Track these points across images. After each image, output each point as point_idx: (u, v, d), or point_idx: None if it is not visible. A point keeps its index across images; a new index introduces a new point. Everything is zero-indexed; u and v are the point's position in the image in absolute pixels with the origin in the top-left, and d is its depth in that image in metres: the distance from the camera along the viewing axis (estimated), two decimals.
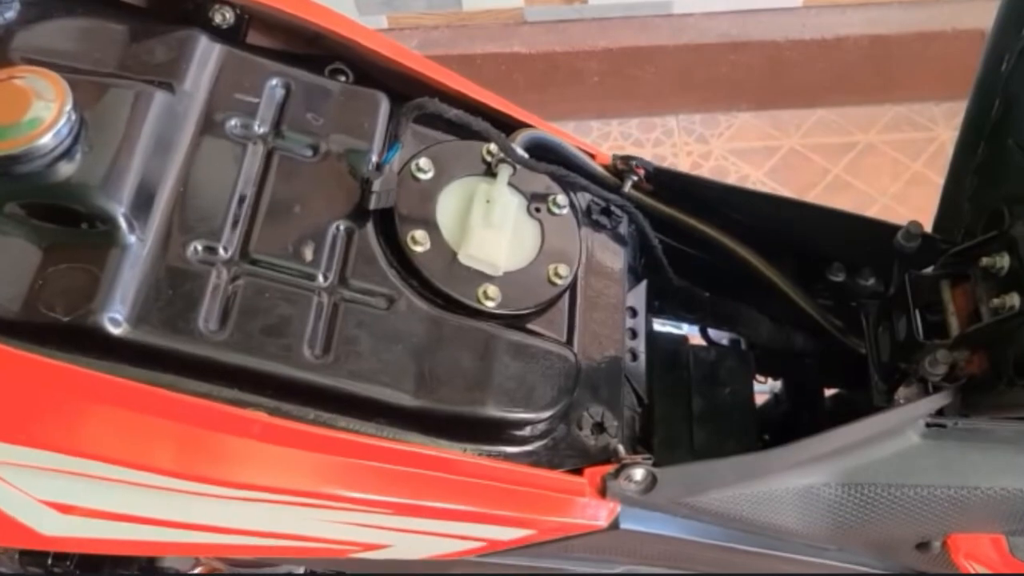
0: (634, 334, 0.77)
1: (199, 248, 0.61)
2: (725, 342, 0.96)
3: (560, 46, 1.90)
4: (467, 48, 1.90)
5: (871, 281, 0.83)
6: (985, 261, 0.67)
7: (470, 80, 0.78)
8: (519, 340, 0.67)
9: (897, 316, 0.73)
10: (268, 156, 0.67)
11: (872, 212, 1.83)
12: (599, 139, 2.00)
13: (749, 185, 1.90)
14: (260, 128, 0.67)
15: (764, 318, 0.88)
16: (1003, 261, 0.66)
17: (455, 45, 1.90)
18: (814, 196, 1.88)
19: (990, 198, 0.70)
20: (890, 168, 1.92)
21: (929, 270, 0.72)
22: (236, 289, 0.61)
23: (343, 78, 0.75)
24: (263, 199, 0.65)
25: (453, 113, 0.67)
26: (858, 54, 1.91)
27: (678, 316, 0.87)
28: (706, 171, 1.94)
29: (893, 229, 0.74)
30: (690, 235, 0.81)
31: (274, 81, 0.70)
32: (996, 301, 0.65)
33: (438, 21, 1.90)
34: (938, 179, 1.93)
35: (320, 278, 0.63)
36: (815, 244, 0.82)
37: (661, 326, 0.92)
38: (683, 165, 1.95)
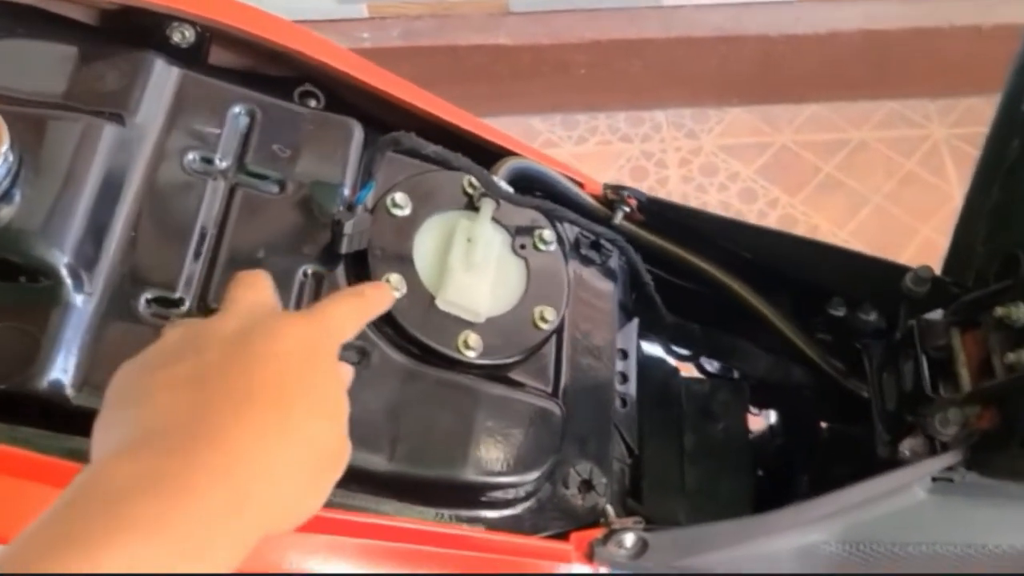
0: (624, 378, 0.72)
1: (152, 300, 0.56)
2: (718, 366, 0.92)
3: (546, 37, 1.84)
4: (450, 39, 1.83)
5: (873, 316, 0.78)
6: (999, 311, 0.62)
7: (451, 89, 0.73)
8: (501, 394, 0.62)
9: (903, 361, 0.69)
10: (230, 194, 0.62)
11: (864, 212, 1.79)
12: (586, 133, 1.95)
13: (740, 184, 1.86)
14: (222, 162, 0.62)
15: (760, 352, 0.84)
16: (1019, 312, 0.61)
17: (438, 35, 1.84)
18: (805, 195, 1.84)
19: (1004, 242, 0.65)
20: (883, 166, 1.88)
21: (938, 314, 0.68)
22: None
23: (313, 102, 0.69)
24: (224, 243, 0.60)
25: (431, 149, 0.62)
26: (852, 49, 1.86)
27: (670, 350, 0.83)
28: (695, 168, 1.89)
29: (900, 270, 0.70)
30: (683, 268, 0.76)
31: (237, 108, 0.64)
32: (1011, 356, 0.61)
33: (421, 10, 1.83)
34: (932, 178, 1.89)
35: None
36: (814, 279, 0.77)
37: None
38: (672, 161, 1.90)
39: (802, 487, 0.87)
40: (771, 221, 1.80)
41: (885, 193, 1.84)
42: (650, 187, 1.86)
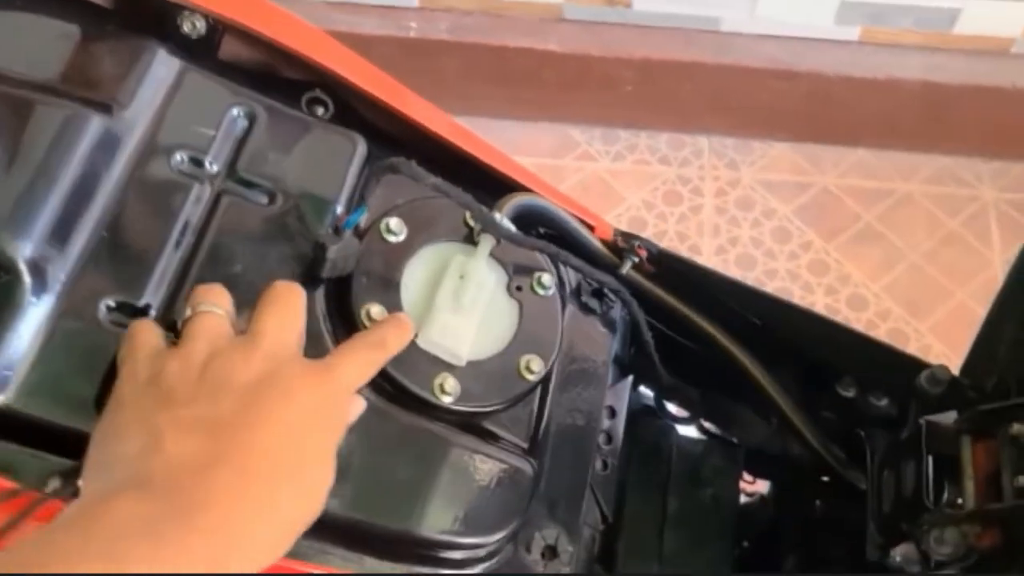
0: (609, 438, 0.68)
1: (113, 306, 0.53)
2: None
3: (596, 49, 1.79)
4: (499, 39, 1.80)
5: (884, 403, 0.74)
6: (1016, 428, 0.58)
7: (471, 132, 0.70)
8: (472, 447, 0.59)
9: (906, 462, 0.65)
10: (216, 200, 0.58)
11: (900, 268, 1.73)
12: (624, 150, 1.90)
13: (775, 222, 1.81)
14: (212, 166, 0.59)
15: (761, 422, 0.80)
16: None
17: (487, 34, 1.80)
18: (841, 242, 1.79)
19: None
20: (925, 222, 1.82)
21: (950, 418, 0.63)
22: None
23: (321, 110, 0.66)
24: (200, 252, 0.56)
25: (431, 181, 0.59)
26: (909, 98, 1.80)
27: (663, 410, 0.79)
28: (731, 199, 1.84)
29: (916, 365, 0.66)
30: (688, 327, 0.72)
31: (236, 110, 0.61)
32: (1023, 480, 0.57)
33: (472, 6, 1.80)
34: (975, 242, 1.82)
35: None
36: (826, 357, 0.73)
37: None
38: (708, 190, 1.85)
39: (788, 564, 0.83)
40: (802, 264, 1.75)
41: (924, 251, 1.78)
42: (682, 214, 1.82)
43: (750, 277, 1.72)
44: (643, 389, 0.81)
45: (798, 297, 1.70)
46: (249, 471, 0.44)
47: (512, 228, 0.64)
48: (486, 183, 0.68)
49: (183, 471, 0.43)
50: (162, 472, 0.43)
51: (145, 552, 0.40)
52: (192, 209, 0.57)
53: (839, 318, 1.62)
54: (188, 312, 0.51)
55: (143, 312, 0.54)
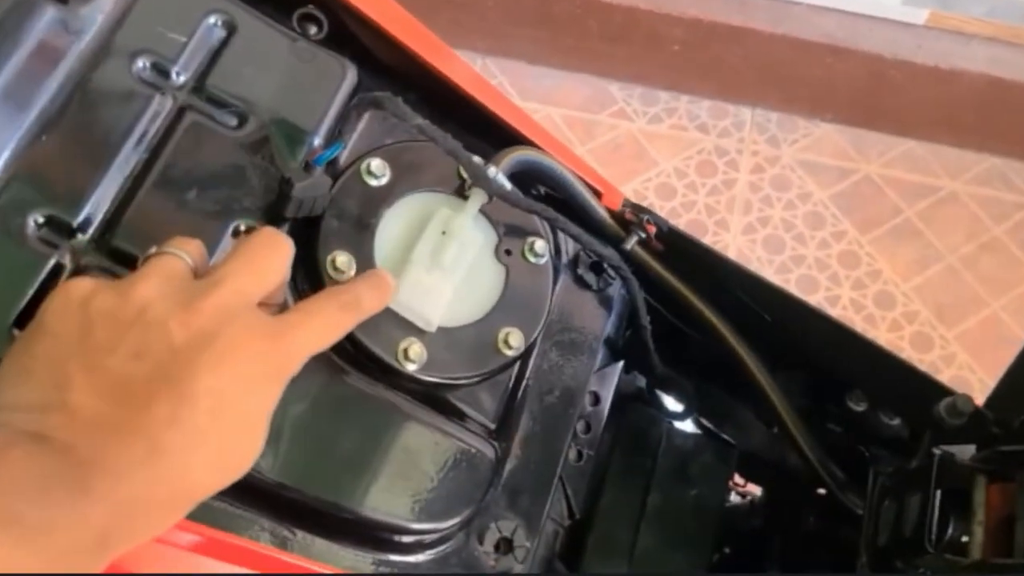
0: (588, 427, 0.62)
1: (42, 222, 0.47)
2: None
3: (645, 3, 1.70)
4: None
5: (896, 423, 0.67)
6: None
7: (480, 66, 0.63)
8: (431, 422, 0.53)
9: (911, 494, 0.58)
10: (178, 116, 0.52)
11: (935, 269, 1.65)
12: (663, 113, 1.82)
13: (810, 206, 1.72)
14: (178, 77, 0.53)
15: (759, 424, 0.74)
16: None
17: None
18: (876, 235, 1.70)
19: None
20: (968, 225, 1.73)
21: (967, 452, 0.57)
22: None
23: (314, 29, 0.59)
24: (152, 173, 0.50)
25: (417, 122, 0.52)
26: (969, 91, 1.70)
27: (652, 401, 0.73)
28: (767, 178, 1.76)
29: (938, 391, 0.59)
30: (690, 315, 0.66)
31: (214, 18, 0.54)
32: None
33: None
34: (1018, 251, 1.73)
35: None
36: (838, 366, 0.66)
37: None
38: (745, 165, 1.77)
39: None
40: (832, 254, 1.67)
41: (962, 255, 1.69)
42: (714, 186, 1.74)
43: (776, 261, 1.65)
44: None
45: (823, 289, 1.62)
46: (160, 445, 0.38)
47: (508, 185, 0.57)
48: (490, 133, 0.62)
49: (84, 431, 0.38)
50: (63, 429, 0.38)
51: (36, 512, 0.36)
52: (149, 123, 0.51)
53: (864, 314, 1.55)
54: (152, 251, 0.45)
55: (77, 231, 0.48)
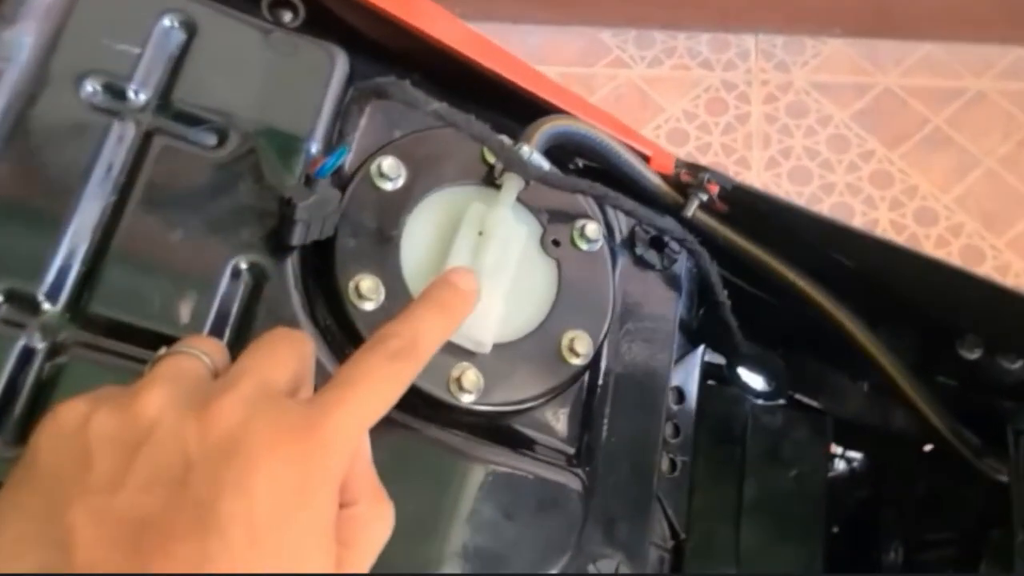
0: (676, 430, 0.54)
1: (2, 299, 0.39)
2: None
3: None
4: None
5: (1018, 365, 0.58)
6: None
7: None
8: (497, 460, 0.45)
9: None
10: (144, 143, 0.43)
11: (974, 176, 1.55)
12: (662, 54, 1.71)
13: (832, 129, 1.62)
14: (137, 96, 0.44)
15: (857, 387, 0.65)
16: None
17: None
18: (906, 149, 1.60)
19: None
20: (1002, 124, 1.63)
21: None
22: (57, 372, 0.39)
23: (288, 15, 0.50)
24: (125, 215, 0.42)
25: (433, 108, 0.43)
26: None
27: (733, 381, 0.64)
28: (782, 106, 1.66)
29: None
30: (768, 279, 0.57)
31: (169, 19, 0.45)
32: None
33: None
34: None
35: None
36: (941, 310, 0.58)
37: None
38: (756, 96, 1.66)
39: (890, 555, 0.69)
40: (863, 176, 1.58)
41: (1000, 156, 1.59)
42: (728, 124, 1.64)
43: (805, 193, 1.55)
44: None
45: (859, 214, 1.53)
46: None
47: (545, 164, 0.48)
48: (507, 107, 0.52)
49: None
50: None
51: None
52: (111, 156, 0.42)
53: (907, 235, 1.46)
54: (162, 351, 0.36)
55: (45, 303, 0.39)
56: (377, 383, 0.34)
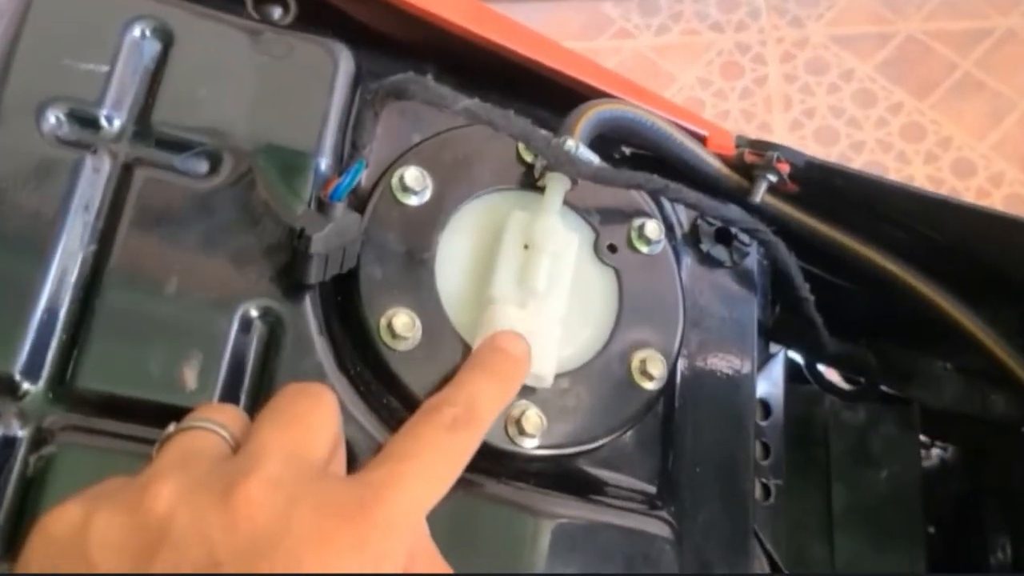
0: (767, 450, 0.47)
1: None
2: None
3: None
4: None
5: None
6: None
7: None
8: (571, 513, 0.38)
9: None
10: (123, 177, 0.36)
11: (1010, 120, 1.48)
12: (668, 20, 1.63)
13: (856, 84, 1.54)
14: (110, 123, 0.37)
15: (951, 374, 0.58)
16: None
17: None
18: (936, 98, 1.52)
19: None
20: None
21: None
22: (45, 465, 0.32)
23: (279, 11, 0.43)
24: (107, 268, 0.35)
25: (462, 105, 0.36)
26: None
27: (813, 378, 0.57)
28: (800, 64, 1.57)
29: None
30: (852, 265, 0.50)
31: (140, 27, 0.38)
32: None
33: None
34: None
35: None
36: None
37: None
38: (772, 56, 1.58)
39: (997, 553, 0.62)
40: (893, 131, 1.50)
41: None
42: (745, 88, 1.56)
43: (834, 153, 1.47)
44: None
45: (893, 171, 1.45)
46: None
47: (594, 158, 0.41)
48: (538, 95, 0.45)
49: None
50: None
51: None
52: (86, 197, 0.35)
53: (946, 189, 1.39)
54: (170, 429, 0.30)
55: (23, 384, 0.32)
56: (436, 457, 0.29)
